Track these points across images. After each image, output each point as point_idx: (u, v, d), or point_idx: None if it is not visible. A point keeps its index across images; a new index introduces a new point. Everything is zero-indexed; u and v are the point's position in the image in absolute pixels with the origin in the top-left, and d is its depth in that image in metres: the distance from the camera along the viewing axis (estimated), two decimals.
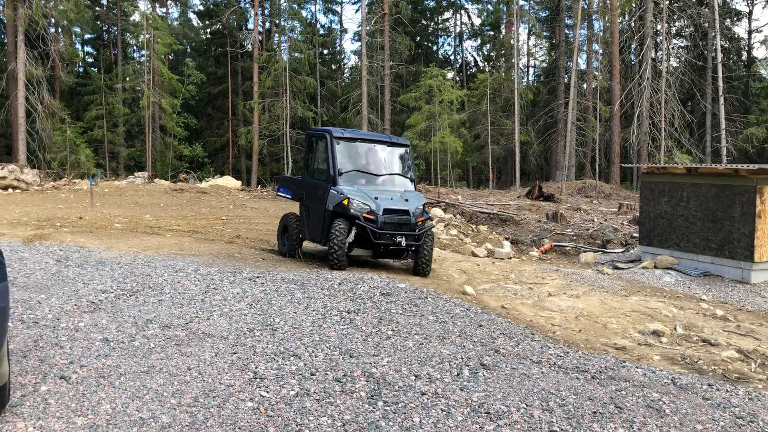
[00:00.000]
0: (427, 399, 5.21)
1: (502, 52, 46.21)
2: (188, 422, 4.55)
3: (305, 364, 5.87)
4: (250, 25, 48.01)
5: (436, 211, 20.18)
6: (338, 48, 55.86)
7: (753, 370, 7.29)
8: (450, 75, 48.78)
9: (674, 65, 39.43)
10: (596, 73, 42.01)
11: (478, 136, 41.02)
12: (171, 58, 49.16)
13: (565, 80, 41.22)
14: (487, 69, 49.39)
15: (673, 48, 42.21)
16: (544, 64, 51.54)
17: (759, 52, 46.84)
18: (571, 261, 15.40)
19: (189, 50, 53.42)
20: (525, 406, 5.22)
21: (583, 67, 43.25)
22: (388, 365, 5.98)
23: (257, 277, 9.64)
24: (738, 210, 12.47)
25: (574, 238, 18.73)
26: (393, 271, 11.16)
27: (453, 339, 7.06)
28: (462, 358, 6.35)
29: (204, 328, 6.87)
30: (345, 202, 10.56)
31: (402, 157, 12.14)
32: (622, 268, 13.95)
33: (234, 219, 18.94)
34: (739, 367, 7.26)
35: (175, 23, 53.08)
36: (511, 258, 14.64)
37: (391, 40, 39.41)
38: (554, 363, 6.53)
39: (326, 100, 46.06)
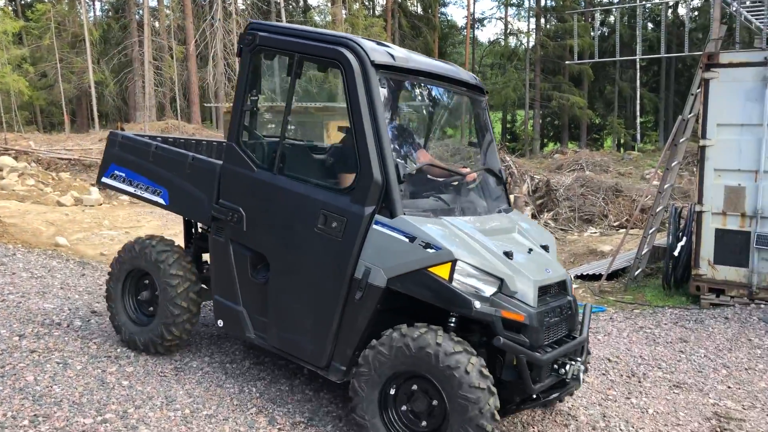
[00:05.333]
0: (39, 356, 4.98)
1: None
2: None
3: None
4: None
5: (6, 160, 17.95)
6: None
7: None
8: (1, 2, 42.51)
9: (242, 7, 41.21)
10: (168, 12, 41.45)
11: (45, 74, 37.05)
12: None
13: (137, 17, 39.72)
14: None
15: None
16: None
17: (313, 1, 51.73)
18: None
19: None
20: None
21: (155, 4, 42.20)
22: None
23: None
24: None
25: None
26: None
27: (55, 292, 6.71)
28: (70, 309, 6.14)
29: None
30: (442, 271, 3.79)
31: (484, 120, 5.11)
32: None
33: None
34: None
35: None
36: (101, 204, 14.08)
37: None
38: None
39: None
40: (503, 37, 48.08)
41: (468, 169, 4.69)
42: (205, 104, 29.69)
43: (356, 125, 4.01)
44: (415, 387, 3.74)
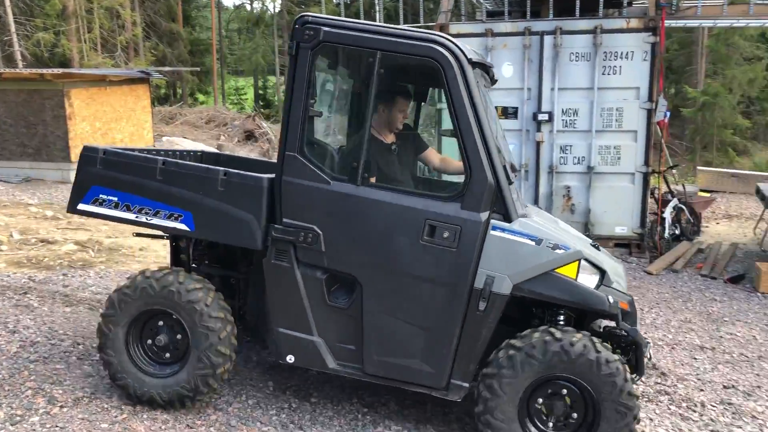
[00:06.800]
0: None
1: None
2: None
3: None
4: None
5: None
6: None
7: (93, 255, 8.30)
8: None
9: None
10: None
11: None
12: None
13: None
14: None
15: None
16: None
17: None
18: None
19: None
20: None
21: None
22: None
23: None
24: (50, 114, 13.03)
25: None
26: None
27: None
28: None
29: None
30: (569, 270, 3.85)
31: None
32: None
33: None
34: (82, 256, 8.15)
35: None
36: None
37: None
38: None
39: None
40: (249, 1, 47.68)
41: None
42: None
43: (462, 126, 3.74)
44: (564, 392, 3.72)
